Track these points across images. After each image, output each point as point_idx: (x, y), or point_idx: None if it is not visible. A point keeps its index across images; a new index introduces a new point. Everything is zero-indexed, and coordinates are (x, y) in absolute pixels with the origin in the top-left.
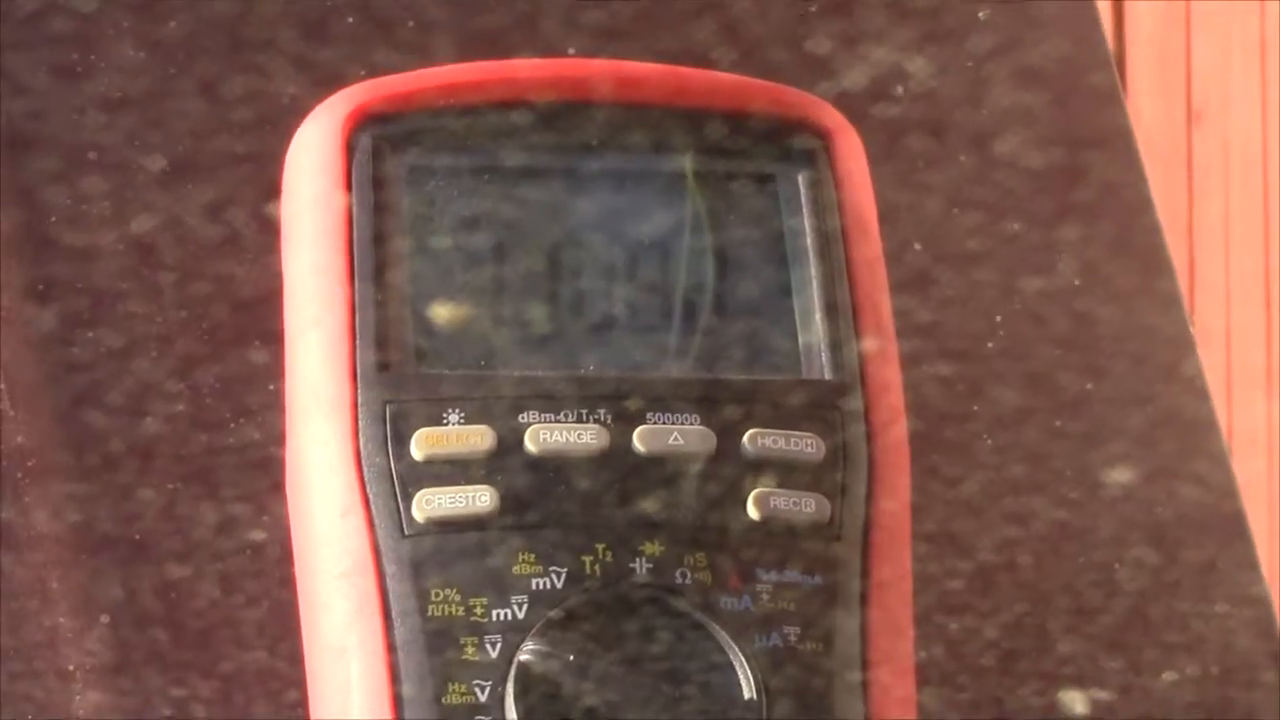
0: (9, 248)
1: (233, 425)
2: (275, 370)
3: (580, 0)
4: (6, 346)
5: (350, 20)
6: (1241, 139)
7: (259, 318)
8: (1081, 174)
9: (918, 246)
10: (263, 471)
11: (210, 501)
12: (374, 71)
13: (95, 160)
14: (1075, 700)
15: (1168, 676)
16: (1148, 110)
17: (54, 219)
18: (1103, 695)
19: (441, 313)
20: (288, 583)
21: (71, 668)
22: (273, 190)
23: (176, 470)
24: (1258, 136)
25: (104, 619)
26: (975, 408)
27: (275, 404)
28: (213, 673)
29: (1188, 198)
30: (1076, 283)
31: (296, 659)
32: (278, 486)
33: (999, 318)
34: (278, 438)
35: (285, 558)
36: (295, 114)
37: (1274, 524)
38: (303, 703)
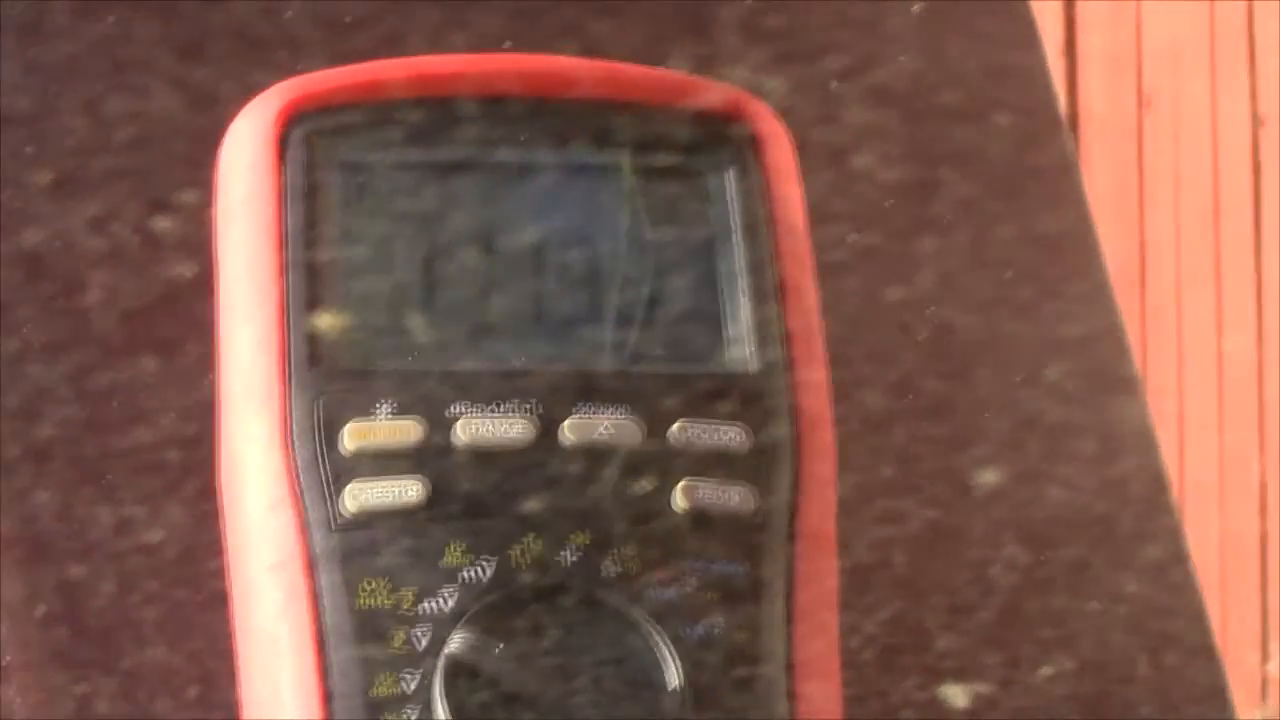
0: None
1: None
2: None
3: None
4: None
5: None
6: (1192, 125)
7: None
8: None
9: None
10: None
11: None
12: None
13: None
14: (956, 694)
15: (1045, 671)
16: (1099, 97)
17: None
18: (983, 689)
19: (325, 320)
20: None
21: None
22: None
23: (70, 473)
24: (1208, 123)
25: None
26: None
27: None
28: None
29: (1138, 183)
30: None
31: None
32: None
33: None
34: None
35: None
36: None
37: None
38: (209, 698)
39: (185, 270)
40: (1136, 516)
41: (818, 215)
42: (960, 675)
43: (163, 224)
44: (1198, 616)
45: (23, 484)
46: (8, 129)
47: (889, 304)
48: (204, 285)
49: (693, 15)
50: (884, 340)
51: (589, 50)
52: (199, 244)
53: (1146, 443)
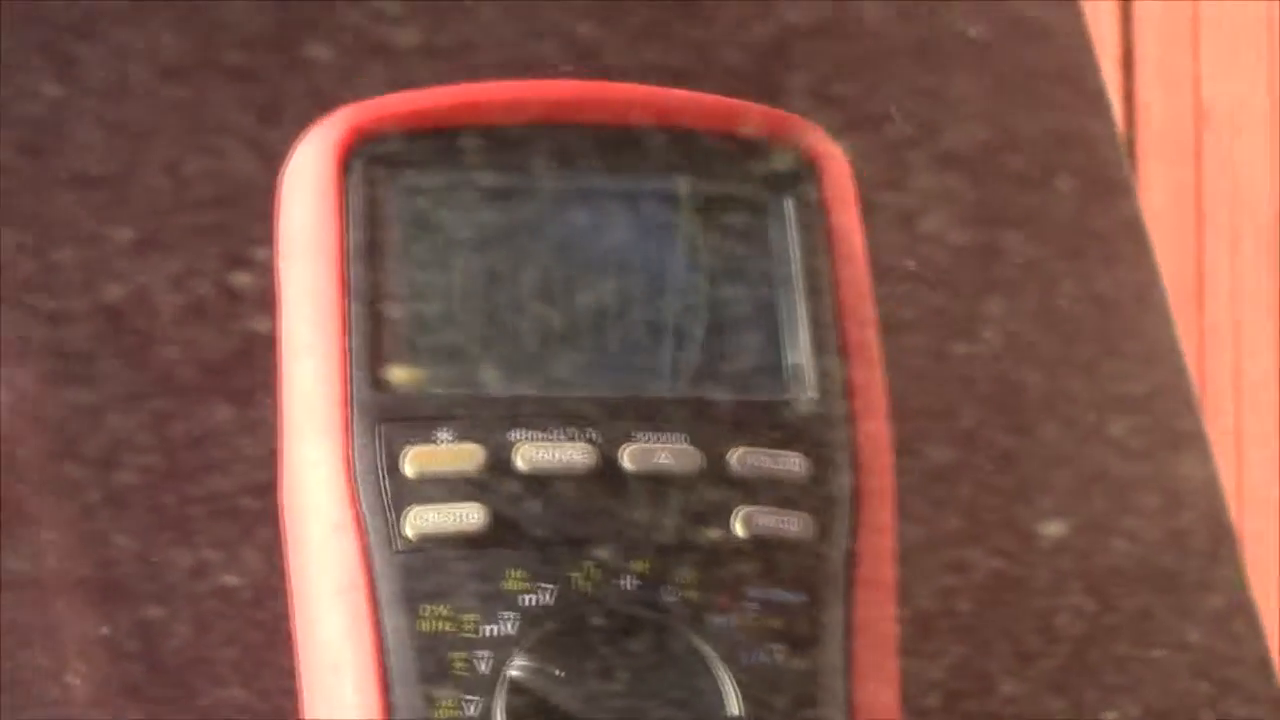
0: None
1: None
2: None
3: None
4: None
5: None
6: (1251, 139)
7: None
8: None
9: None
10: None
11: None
12: None
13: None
14: None
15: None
16: (1156, 109)
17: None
18: None
19: (398, 374)
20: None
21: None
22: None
23: (149, 518)
24: (1266, 136)
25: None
26: None
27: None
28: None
29: (1195, 197)
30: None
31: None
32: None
33: None
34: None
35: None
36: None
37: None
38: None
39: (261, 325)
40: (1200, 567)
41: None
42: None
43: (241, 279)
44: (1262, 665)
45: (102, 527)
46: (92, 189)
47: (955, 359)
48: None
49: (764, 82)
50: (949, 395)
51: None
52: (275, 299)
53: (1211, 495)
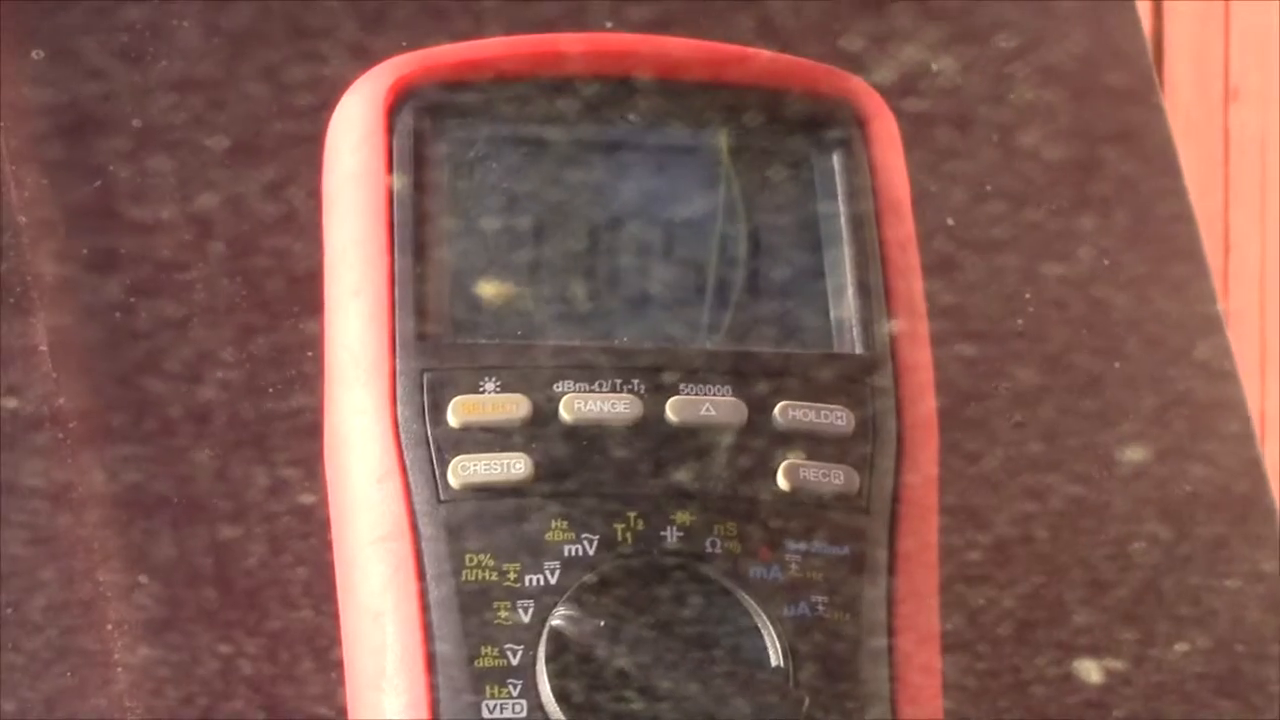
0: (74, 221)
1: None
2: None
3: None
4: (60, 313)
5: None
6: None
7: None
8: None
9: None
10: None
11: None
12: None
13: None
14: (1090, 669)
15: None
16: (1185, 89)
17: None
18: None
19: (487, 289)
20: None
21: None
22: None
23: (229, 434)
24: None
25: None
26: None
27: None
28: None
29: (1224, 177)
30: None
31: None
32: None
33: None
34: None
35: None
36: None
37: None
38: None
39: None
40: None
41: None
42: (1095, 652)
43: None
44: None
45: (182, 444)
46: (189, 93)
47: (1047, 280)
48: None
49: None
50: (1039, 316)
51: (765, 27)
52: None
53: None
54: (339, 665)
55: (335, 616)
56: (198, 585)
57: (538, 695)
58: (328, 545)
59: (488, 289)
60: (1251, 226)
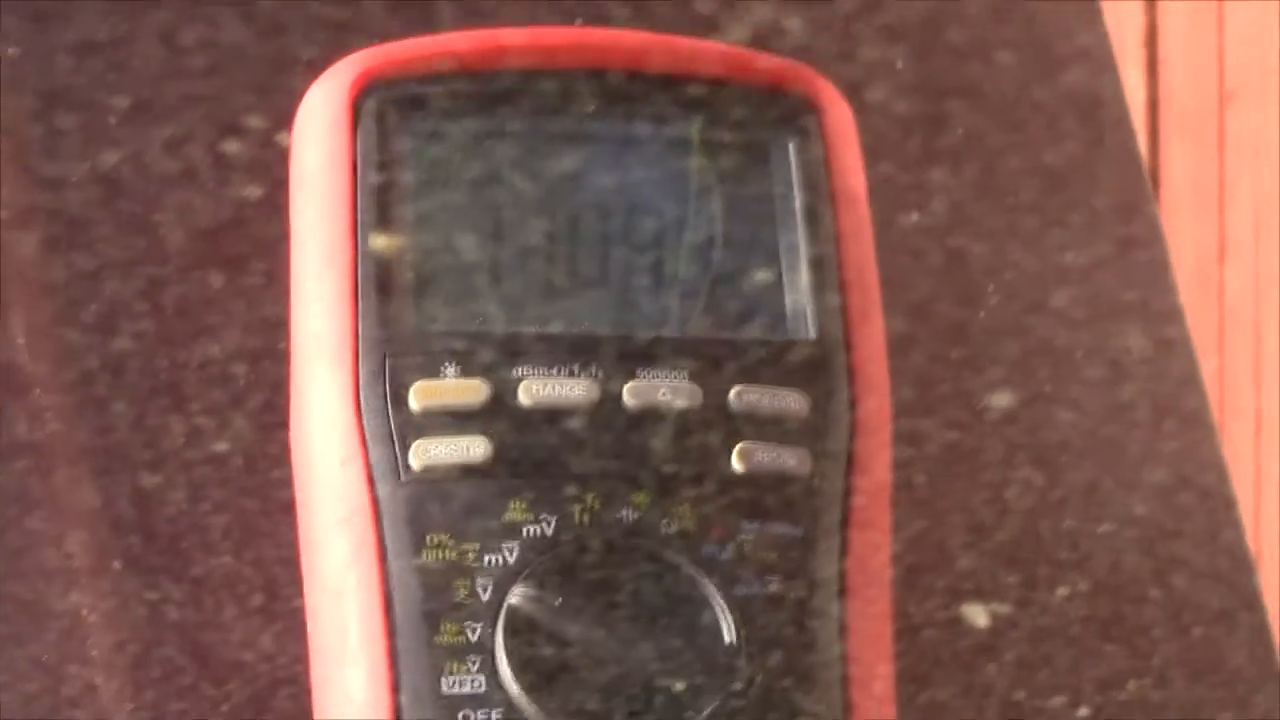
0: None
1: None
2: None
3: None
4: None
5: None
6: (1275, 118)
7: None
8: None
9: None
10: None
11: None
12: None
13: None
14: (977, 613)
15: (1061, 591)
16: (1180, 91)
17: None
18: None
19: (378, 242)
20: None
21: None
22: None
23: (144, 384)
24: None
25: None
26: None
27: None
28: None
29: (1219, 177)
30: None
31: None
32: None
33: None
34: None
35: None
36: None
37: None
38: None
39: (253, 191)
40: (1143, 439)
41: None
42: (981, 595)
43: (232, 147)
44: (1207, 539)
45: (100, 394)
46: (89, 56)
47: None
48: (270, 206)
49: None
50: (900, 267)
51: None
52: (266, 166)
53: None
54: (259, 611)
55: (254, 564)
56: (122, 533)
57: (496, 671)
58: (244, 492)
59: (379, 241)
60: (1246, 230)
